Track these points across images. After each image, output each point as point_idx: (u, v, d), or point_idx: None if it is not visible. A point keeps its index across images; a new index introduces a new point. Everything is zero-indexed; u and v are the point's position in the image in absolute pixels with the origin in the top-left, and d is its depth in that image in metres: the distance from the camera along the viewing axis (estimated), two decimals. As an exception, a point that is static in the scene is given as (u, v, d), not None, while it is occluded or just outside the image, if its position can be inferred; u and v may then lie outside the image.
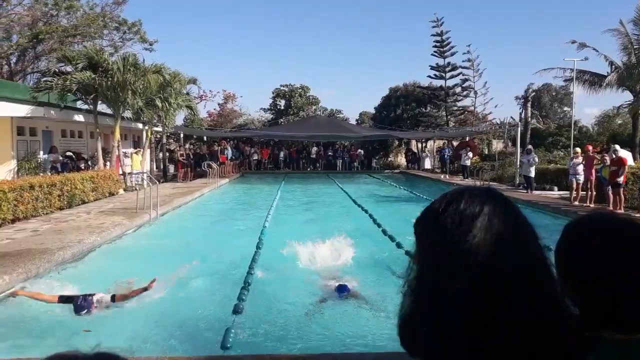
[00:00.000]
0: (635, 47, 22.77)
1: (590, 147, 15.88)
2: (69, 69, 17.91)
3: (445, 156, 29.12)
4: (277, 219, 12.83)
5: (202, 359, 4.42)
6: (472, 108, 38.04)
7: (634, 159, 19.10)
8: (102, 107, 19.54)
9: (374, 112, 42.57)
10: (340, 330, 5.25)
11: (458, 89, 37.25)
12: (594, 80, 25.38)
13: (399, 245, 9.00)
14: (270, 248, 9.00)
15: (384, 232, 10.44)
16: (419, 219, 0.93)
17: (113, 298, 5.82)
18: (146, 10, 72.56)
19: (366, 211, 13.60)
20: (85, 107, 19.66)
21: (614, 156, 13.20)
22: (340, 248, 8.39)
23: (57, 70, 17.85)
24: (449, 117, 37.28)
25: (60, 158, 18.23)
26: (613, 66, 24.06)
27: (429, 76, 37.29)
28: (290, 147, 35.63)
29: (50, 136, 19.61)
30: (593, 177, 14.17)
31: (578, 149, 16.31)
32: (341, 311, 5.75)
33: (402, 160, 38.05)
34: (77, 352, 0.71)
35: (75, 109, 20.00)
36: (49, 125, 19.27)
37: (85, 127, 21.77)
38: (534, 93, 41.65)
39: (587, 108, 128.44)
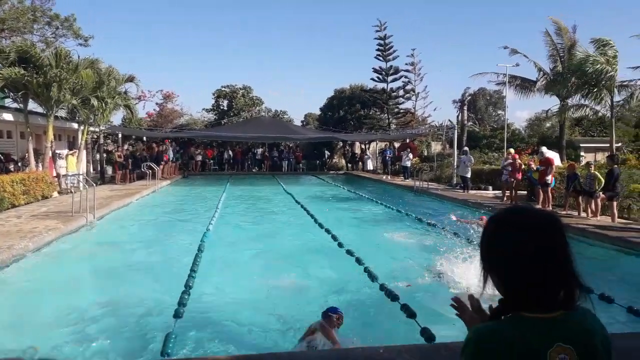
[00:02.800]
0: (560, 55, 24.30)
1: (517, 156, 16.66)
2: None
3: (387, 157, 29.81)
4: (222, 221, 12.71)
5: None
6: (413, 110, 39.14)
7: (561, 159, 20.33)
8: (34, 105, 18.54)
9: (320, 113, 42.90)
10: (281, 327, 5.32)
11: (400, 92, 38.23)
12: (525, 85, 26.84)
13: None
14: (214, 252, 8.92)
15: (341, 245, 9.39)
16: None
17: None
18: (79, 7, 69.41)
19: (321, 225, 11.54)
20: (15, 105, 18.63)
21: (542, 157, 14.05)
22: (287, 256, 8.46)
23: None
24: (390, 119, 38.16)
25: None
26: (542, 72, 25.54)
27: (372, 79, 38.06)
28: (235, 147, 35.23)
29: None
30: (519, 179, 15.19)
31: (512, 150, 17.24)
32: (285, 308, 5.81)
33: (344, 161, 38.64)
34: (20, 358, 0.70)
35: (3, 107, 18.91)
36: (-27, 125, 18.11)
37: (14, 126, 20.57)
38: (470, 97, 43.44)
39: (519, 111, 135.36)
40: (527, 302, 1.27)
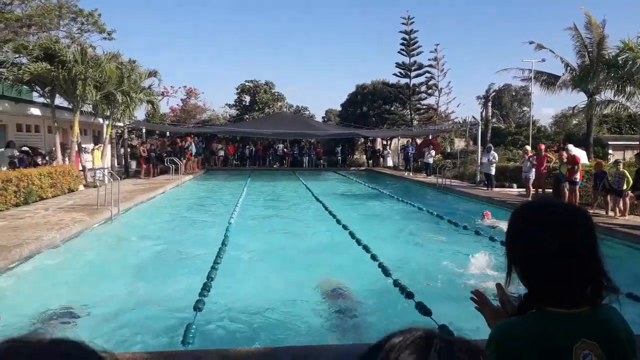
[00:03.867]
0: (589, 50, 23.70)
1: (543, 146, 16.45)
2: (24, 60, 17.27)
3: (409, 154, 29.57)
4: (243, 215, 12.79)
5: (166, 354, 4.40)
6: (435, 106, 38.73)
7: (588, 157, 19.88)
8: (60, 100, 18.94)
9: (340, 109, 42.77)
10: (305, 323, 5.32)
11: (423, 88, 37.86)
12: (551, 81, 26.27)
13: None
14: (236, 246, 8.98)
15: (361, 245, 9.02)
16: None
17: None
18: (104, 3, 70.58)
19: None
20: (42, 100, 19.05)
21: (568, 155, 13.75)
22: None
23: (13, 62, 17.18)
24: (413, 115, 37.84)
25: (17, 153, 17.58)
26: (569, 68, 24.97)
27: (395, 74, 37.75)
28: (257, 143, 35.40)
29: (4, 131, 18.89)
30: (544, 174, 14.81)
31: (528, 147, 16.94)
32: (306, 305, 5.81)
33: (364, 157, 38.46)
34: (31, 336, 0.68)
35: (32, 102, 19.34)
36: (2, 119, 18.57)
37: (42, 121, 21.06)
38: (494, 93, 42.76)
39: (544, 108, 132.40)
40: (551, 298, 1.25)
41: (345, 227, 10.58)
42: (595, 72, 21.63)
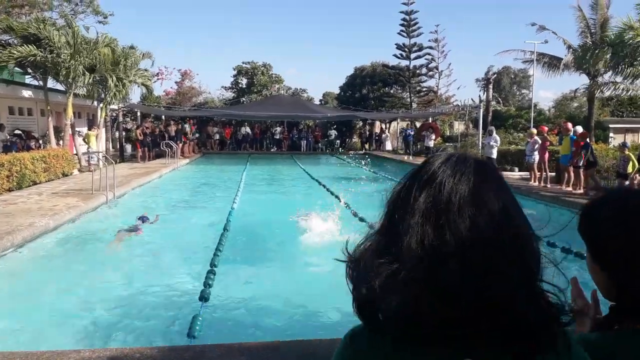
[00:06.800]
0: (592, 31, 23.32)
1: (546, 129, 16.17)
2: (16, 41, 16.78)
3: (409, 137, 29.25)
4: (245, 198, 12.49)
5: (165, 349, 4.15)
6: (435, 89, 38.31)
7: (589, 140, 19.62)
8: (53, 83, 18.47)
9: (339, 91, 42.27)
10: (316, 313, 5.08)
11: (423, 70, 37.38)
12: (553, 63, 25.90)
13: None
14: (238, 230, 8.72)
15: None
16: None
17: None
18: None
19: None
20: (35, 83, 18.59)
21: (575, 137, 13.48)
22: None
23: (2, 42, 16.69)
24: (413, 97, 37.43)
25: (8, 137, 17.17)
26: (571, 49, 24.58)
27: (395, 55, 37.21)
28: (254, 126, 34.90)
29: (-5, 113, 18.46)
30: (546, 158, 14.57)
31: (534, 130, 16.66)
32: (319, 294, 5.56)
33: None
34: None
35: (24, 84, 18.86)
36: (-6, 102, 18.13)
37: (35, 103, 20.58)
38: (495, 75, 42.37)
39: (542, 91, 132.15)
40: None
41: (348, 207, 10.28)
42: (597, 52, 21.27)
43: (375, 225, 0.87)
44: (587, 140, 13.22)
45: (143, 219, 9.28)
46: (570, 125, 14.46)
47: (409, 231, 0.76)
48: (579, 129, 14.03)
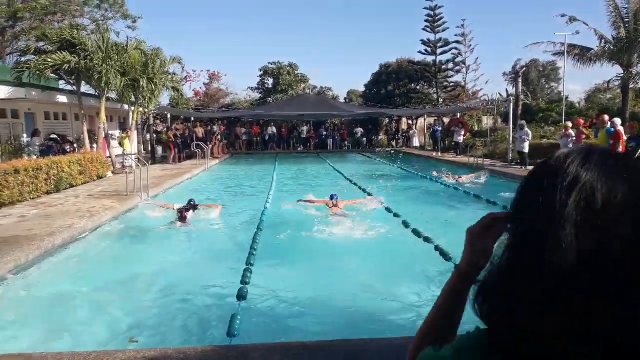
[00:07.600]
0: (625, 20, 22.59)
1: (582, 121, 15.75)
2: (50, 48, 17.27)
3: (437, 133, 28.88)
4: (277, 198, 12.51)
5: (207, 349, 4.19)
6: (463, 84, 37.78)
7: (624, 133, 19.02)
8: (87, 88, 18.94)
9: (364, 89, 42.04)
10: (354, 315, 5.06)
11: (450, 65, 36.91)
12: (584, 54, 25.18)
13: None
14: (272, 229, 8.75)
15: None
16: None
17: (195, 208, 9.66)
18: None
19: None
20: (69, 88, 19.08)
21: (613, 129, 13.10)
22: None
23: (37, 49, 17.19)
24: (440, 93, 36.99)
25: (44, 141, 17.68)
26: (603, 40, 23.87)
27: (420, 52, 36.87)
28: (281, 126, 35.00)
29: (32, 119, 19.00)
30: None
31: (569, 123, 16.24)
32: (351, 294, 5.55)
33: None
34: None
35: (59, 90, 19.37)
36: (31, 108, 18.66)
37: (69, 108, 21.12)
38: (524, 68, 41.52)
39: (571, 84, 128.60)
40: None
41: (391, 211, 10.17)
42: (632, 45, 20.61)
43: (504, 242, 0.78)
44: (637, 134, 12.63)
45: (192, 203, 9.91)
46: (607, 117, 14.06)
47: (560, 244, 0.66)
48: (617, 121, 13.59)
